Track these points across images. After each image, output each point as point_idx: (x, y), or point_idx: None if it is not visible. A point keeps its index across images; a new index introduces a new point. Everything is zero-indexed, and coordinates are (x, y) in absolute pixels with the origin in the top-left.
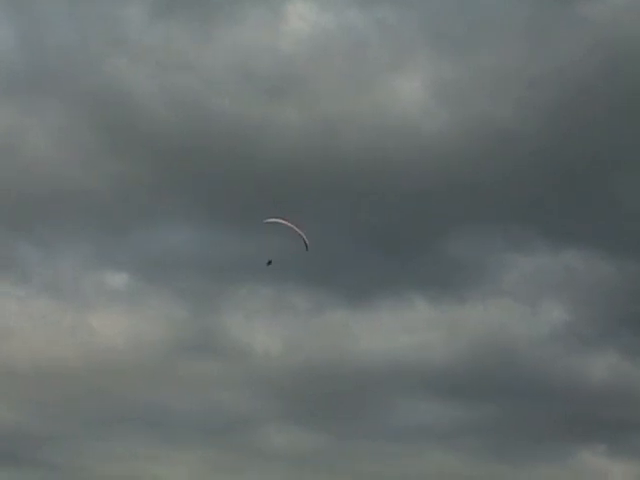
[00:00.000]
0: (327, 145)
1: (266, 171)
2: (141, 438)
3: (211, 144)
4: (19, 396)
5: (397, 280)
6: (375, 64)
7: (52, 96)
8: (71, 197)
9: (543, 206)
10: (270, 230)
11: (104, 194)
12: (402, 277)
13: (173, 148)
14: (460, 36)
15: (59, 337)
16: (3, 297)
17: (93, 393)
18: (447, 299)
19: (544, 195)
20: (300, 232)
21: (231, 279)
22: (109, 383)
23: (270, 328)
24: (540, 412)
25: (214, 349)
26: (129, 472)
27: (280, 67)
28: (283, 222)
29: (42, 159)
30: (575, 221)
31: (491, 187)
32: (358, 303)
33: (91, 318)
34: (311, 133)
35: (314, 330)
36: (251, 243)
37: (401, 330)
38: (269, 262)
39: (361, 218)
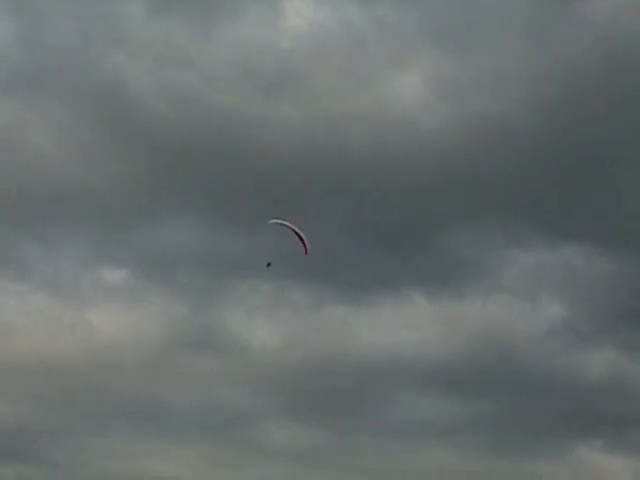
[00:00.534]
0: (327, 142)
1: (266, 168)
2: (140, 434)
3: (211, 141)
4: (18, 391)
5: (396, 276)
6: (375, 61)
7: (52, 93)
8: (71, 194)
9: (543, 203)
10: (272, 230)
11: (104, 191)
12: (401, 273)
13: (173, 145)
14: (460, 33)
15: (58, 333)
16: (3, 293)
17: (92, 389)
18: (446, 295)
19: (544, 192)
20: (302, 236)
21: (231, 275)
22: (108, 379)
23: (270, 324)
24: (538, 408)
25: (214, 345)
26: (128, 468)
27: (279, 64)
28: (287, 224)
29: (42, 156)
30: (575, 218)
31: (491, 183)
32: (358, 299)
33: (90, 314)
34: (311, 130)
35: (314, 326)
36: (251, 240)
37: (400, 326)
38: (268, 264)
39: (361, 214)
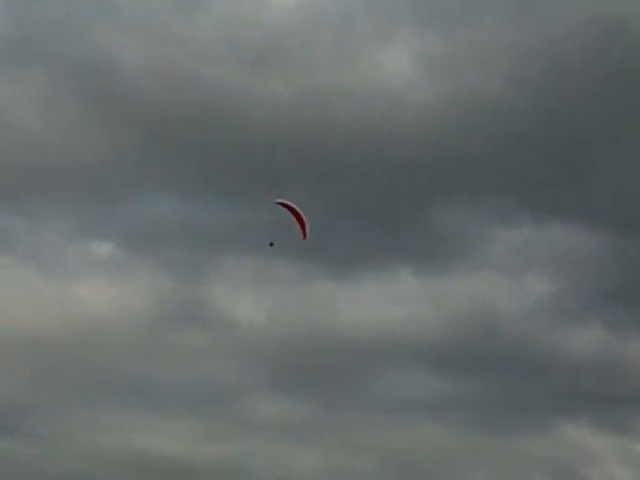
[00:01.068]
0: (314, 117)
1: (253, 142)
2: (127, 408)
3: (197, 115)
4: (3, 366)
5: (383, 252)
6: (362, 36)
7: (38, 68)
8: (56, 167)
9: (529, 180)
10: (269, 208)
11: (89, 164)
12: (388, 249)
13: (159, 119)
14: (448, 9)
15: (44, 307)
16: None
17: (79, 363)
18: (433, 271)
19: (531, 169)
20: (304, 220)
21: (217, 250)
22: (95, 353)
23: (257, 299)
24: (525, 385)
25: (200, 320)
26: (115, 442)
27: (266, 38)
28: (292, 206)
29: (27, 130)
30: (562, 195)
31: (478, 160)
32: (344, 275)
33: (76, 288)
34: (298, 104)
35: (300, 301)
36: (238, 214)
37: (387, 302)
38: (271, 244)
39: (348, 189)
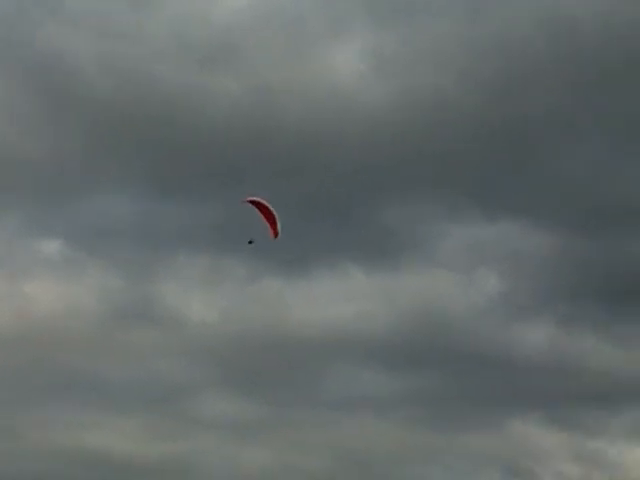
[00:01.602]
0: (265, 115)
1: (204, 141)
2: (77, 406)
3: (149, 113)
4: None
5: (333, 249)
6: (314, 34)
7: None
8: (6, 164)
9: (480, 176)
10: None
11: (39, 162)
12: (338, 246)
13: (110, 117)
14: (399, 7)
15: None
16: None
17: (28, 362)
18: (383, 268)
19: (481, 166)
20: (276, 218)
21: (167, 247)
22: (45, 351)
23: (207, 296)
24: (477, 382)
25: (150, 318)
26: (65, 440)
27: (218, 37)
28: (263, 202)
29: None
30: (512, 192)
31: (428, 157)
32: (295, 272)
33: (26, 286)
34: (250, 103)
35: (251, 298)
36: (188, 212)
37: (338, 299)
38: (250, 242)
39: (298, 187)
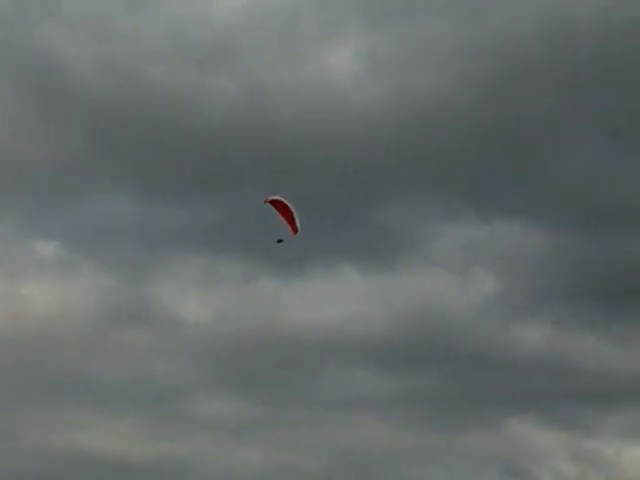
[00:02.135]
0: (261, 115)
1: (201, 141)
2: (72, 406)
3: (146, 114)
4: None
5: (329, 249)
6: (309, 35)
7: None
8: (3, 165)
9: (476, 177)
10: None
11: (35, 162)
12: (334, 247)
13: (108, 118)
14: (393, 8)
15: None
16: None
17: (24, 362)
18: (378, 269)
19: (477, 166)
20: (294, 214)
21: (163, 248)
22: (41, 352)
23: (202, 297)
24: (473, 382)
25: (146, 318)
26: (60, 440)
27: (214, 37)
28: (283, 201)
29: None
30: (508, 192)
31: (424, 158)
32: (290, 272)
33: (22, 287)
34: (245, 103)
35: (246, 299)
36: (183, 212)
37: (333, 299)
38: (279, 240)
39: (294, 187)
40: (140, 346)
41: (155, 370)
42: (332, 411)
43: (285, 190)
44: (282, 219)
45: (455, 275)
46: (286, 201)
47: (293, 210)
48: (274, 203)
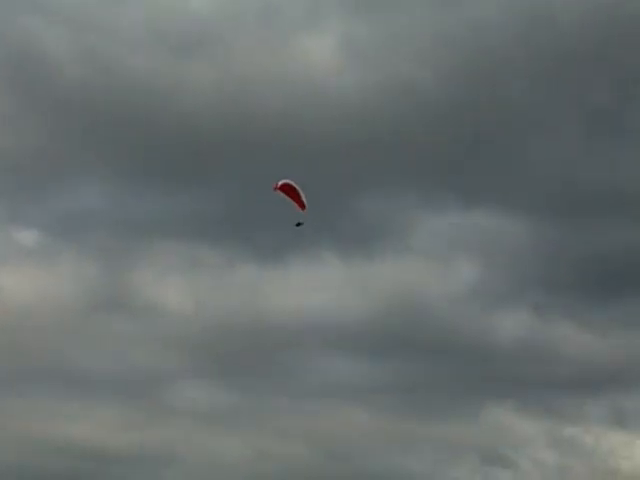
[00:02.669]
0: (241, 103)
1: (179, 129)
2: (52, 395)
3: (125, 102)
4: None
5: (309, 237)
6: (289, 23)
7: None
8: None
9: (456, 166)
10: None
11: (16, 150)
12: (314, 234)
13: (86, 106)
14: None
15: None
16: None
17: (5, 350)
18: (359, 256)
19: (457, 155)
20: (299, 192)
21: (143, 236)
22: (20, 340)
23: (183, 285)
24: (452, 369)
25: (127, 306)
26: (41, 428)
27: (192, 26)
28: (290, 184)
29: None
30: (488, 181)
31: (404, 146)
32: (270, 260)
33: (2, 275)
34: (226, 91)
35: (227, 287)
36: (164, 200)
37: (312, 287)
38: (299, 224)
39: (272, 174)
40: (120, 334)
41: (136, 358)
42: (312, 399)
43: (263, 177)
44: (289, 199)
45: (435, 263)
46: (291, 182)
47: (299, 188)
48: (282, 188)
